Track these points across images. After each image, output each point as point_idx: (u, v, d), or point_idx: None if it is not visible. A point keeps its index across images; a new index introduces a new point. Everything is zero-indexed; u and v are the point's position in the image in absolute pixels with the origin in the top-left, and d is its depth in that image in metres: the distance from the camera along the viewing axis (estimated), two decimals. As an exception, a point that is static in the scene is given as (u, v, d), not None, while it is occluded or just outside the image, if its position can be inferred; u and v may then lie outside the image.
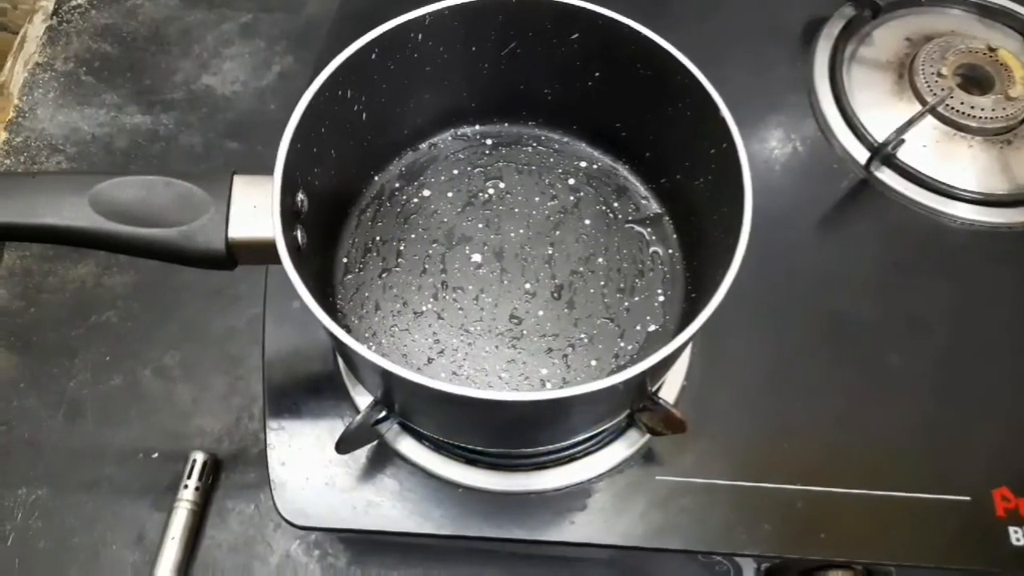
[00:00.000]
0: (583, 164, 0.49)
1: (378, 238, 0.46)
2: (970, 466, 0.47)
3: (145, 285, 0.60)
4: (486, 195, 0.47)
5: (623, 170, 0.48)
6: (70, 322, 0.58)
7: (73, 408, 0.56)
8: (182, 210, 0.34)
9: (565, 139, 0.49)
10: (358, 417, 0.41)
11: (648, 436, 0.45)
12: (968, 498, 0.46)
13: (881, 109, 0.59)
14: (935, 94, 0.58)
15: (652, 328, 0.44)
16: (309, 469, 0.44)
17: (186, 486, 0.53)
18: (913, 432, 0.48)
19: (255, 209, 0.35)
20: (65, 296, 0.59)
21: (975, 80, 0.60)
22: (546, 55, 0.43)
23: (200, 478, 0.53)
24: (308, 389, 0.47)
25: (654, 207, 0.47)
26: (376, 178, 0.47)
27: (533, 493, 0.44)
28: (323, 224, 0.42)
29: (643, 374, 0.32)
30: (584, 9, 0.40)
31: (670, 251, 0.46)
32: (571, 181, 0.48)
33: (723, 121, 0.37)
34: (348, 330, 0.42)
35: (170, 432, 0.55)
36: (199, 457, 0.54)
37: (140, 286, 0.60)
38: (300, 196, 0.37)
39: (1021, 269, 0.53)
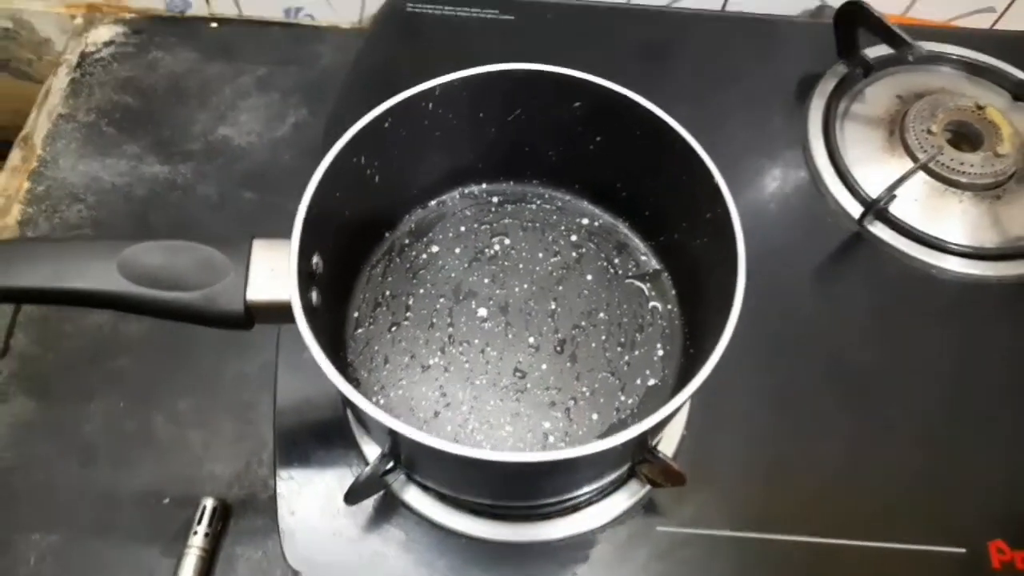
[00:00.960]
0: (585, 221, 0.51)
1: (388, 293, 0.47)
2: (965, 517, 0.48)
3: (159, 332, 0.61)
4: (492, 251, 0.49)
5: (623, 227, 0.50)
6: (87, 368, 0.60)
7: (87, 453, 0.57)
8: (204, 274, 0.36)
9: (568, 197, 0.51)
10: (367, 469, 0.42)
11: (649, 487, 0.46)
12: (964, 550, 0.46)
13: (873, 164, 0.61)
14: (926, 151, 0.60)
15: (652, 382, 0.45)
16: (317, 518, 0.45)
17: (196, 532, 0.54)
18: (909, 483, 0.49)
19: (272, 272, 0.36)
20: (82, 342, 0.61)
21: (964, 137, 0.62)
22: (550, 120, 0.46)
23: (210, 524, 0.54)
24: (318, 438, 0.48)
25: (653, 263, 0.49)
26: (387, 235, 0.49)
27: (536, 543, 0.45)
28: (336, 282, 0.44)
29: (643, 434, 0.34)
30: (585, 80, 0.42)
31: (669, 306, 0.47)
32: (573, 238, 0.50)
33: (717, 188, 0.39)
34: (357, 383, 0.43)
35: (181, 477, 0.56)
36: (209, 503, 0.55)
37: (155, 333, 0.61)
38: (315, 259, 0.39)
39: (1012, 321, 0.55)
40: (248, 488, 0.57)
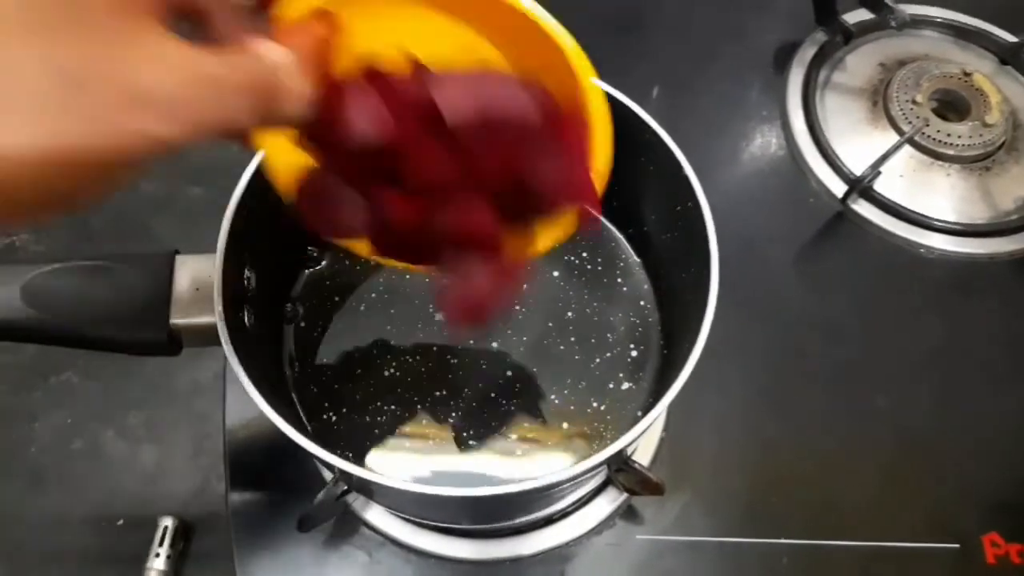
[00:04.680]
0: None
1: (337, 299, 0.44)
2: (957, 511, 0.46)
3: (106, 342, 0.58)
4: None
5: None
6: (29, 384, 0.57)
7: (34, 475, 0.54)
8: (121, 298, 0.33)
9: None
10: (320, 495, 0.39)
11: (627, 494, 0.44)
12: (957, 545, 0.44)
13: (856, 139, 0.57)
14: (911, 123, 0.56)
15: (625, 386, 0.42)
16: (274, 542, 0.42)
17: (157, 554, 0.51)
18: (898, 477, 0.47)
19: (197, 292, 0.33)
20: (23, 357, 0.57)
21: (951, 105, 0.59)
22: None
23: (171, 545, 0.51)
24: (272, 457, 0.45)
25: (625, 257, 0.46)
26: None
27: (508, 560, 0.42)
28: (277, 293, 0.40)
29: (617, 453, 0.31)
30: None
31: (642, 303, 0.44)
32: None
33: (687, 179, 0.35)
34: (303, 404, 0.40)
35: (135, 497, 0.54)
36: (168, 523, 0.52)
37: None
38: (247, 273, 0.36)
39: (1004, 301, 0.52)
40: (208, 505, 0.54)
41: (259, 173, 0.36)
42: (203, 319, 0.32)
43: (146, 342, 0.33)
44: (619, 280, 0.45)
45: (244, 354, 0.31)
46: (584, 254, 0.46)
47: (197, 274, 0.33)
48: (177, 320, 0.33)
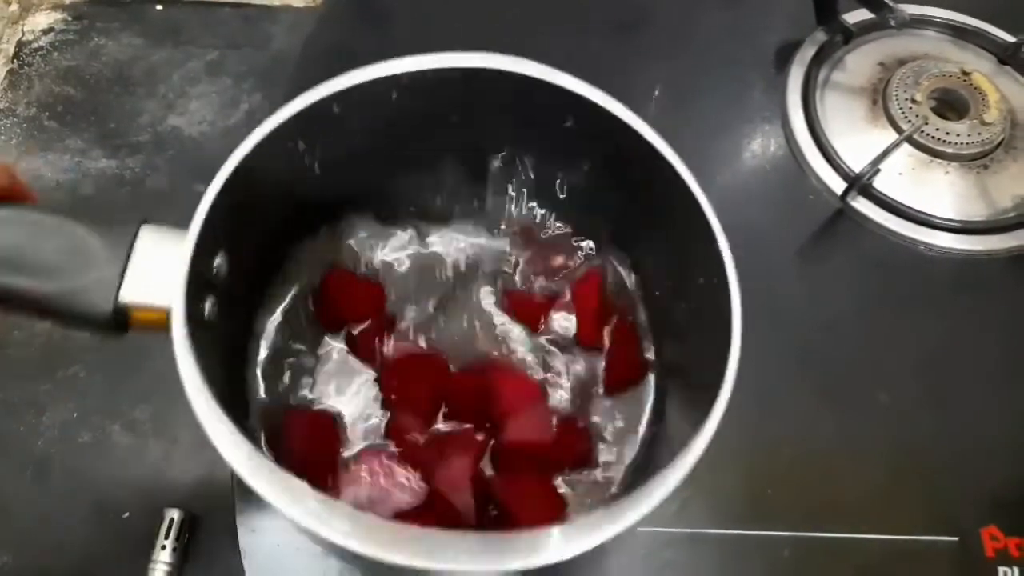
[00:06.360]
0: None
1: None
2: (956, 505, 0.46)
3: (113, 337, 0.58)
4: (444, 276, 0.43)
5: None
6: (37, 378, 0.57)
7: (41, 468, 0.54)
8: (71, 260, 0.29)
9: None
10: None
11: (628, 486, 0.44)
12: (956, 538, 0.45)
13: (856, 137, 0.58)
14: (910, 121, 0.57)
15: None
16: (280, 535, 0.43)
17: (163, 547, 0.51)
18: (898, 470, 0.47)
19: (158, 270, 0.29)
20: (31, 351, 0.58)
21: (950, 104, 0.59)
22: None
23: (177, 537, 0.52)
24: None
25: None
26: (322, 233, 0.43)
27: (511, 550, 0.43)
28: (250, 285, 0.38)
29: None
30: (577, 94, 0.35)
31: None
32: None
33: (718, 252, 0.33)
34: (265, 401, 0.39)
35: (141, 489, 0.54)
36: (175, 515, 0.52)
37: (107, 338, 0.58)
38: (219, 260, 0.32)
39: (1002, 298, 0.53)
40: (214, 497, 0.54)
41: (252, 158, 0.33)
42: (156, 301, 0.29)
43: (88, 315, 0.29)
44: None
45: (198, 351, 0.28)
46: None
47: (161, 249, 0.30)
48: (127, 298, 0.29)
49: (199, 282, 0.30)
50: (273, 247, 0.41)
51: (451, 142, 0.40)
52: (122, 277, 0.30)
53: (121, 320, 0.30)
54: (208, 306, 0.32)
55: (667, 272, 0.39)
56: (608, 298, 0.42)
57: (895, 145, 0.55)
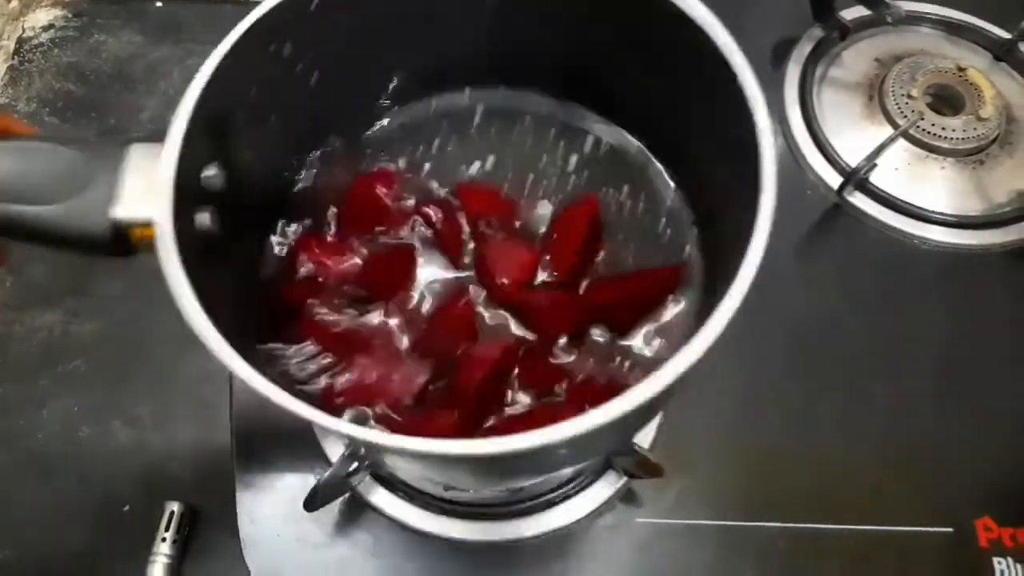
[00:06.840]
0: (590, 141, 0.40)
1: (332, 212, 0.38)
2: (951, 496, 0.46)
3: (114, 331, 0.58)
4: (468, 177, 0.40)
5: (639, 151, 0.40)
6: (37, 372, 0.57)
7: (42, 463, 0.54)
8: (64, 183, 0.29)
9: (572, 111, 0.41)
10: (328, 472, 0.40)
11: (627, 478, 0.44)
12: (951, 529, 0.45)
13: (852, 132, 0.58)
14: (906, 116, 0.57)
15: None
16: (280, 525, 0.43)
17: (163, 539, 0.52)
18: (893, 462, 0.47)
19: (151, 184, 0.29)
20: (32, 345, 0.58)
21: (945, 100, 0.60)
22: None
23: (177, 530, 0.52)
24: (279, 440, 0.46)
25: (672, 198, 0.40)
26: (331, 148, 0.40)
27: (510, 542, 0.43)
28: (259, 207, 0.36)
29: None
30: None
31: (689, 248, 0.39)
32: (574, 161, 0.40)
33: (744, 101, 0.30)
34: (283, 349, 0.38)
35: (143, 483, 0.54)
36: (175, 508, 0.52)
37: (108, 332, 0.58)
38: (211, 171, 0.31)
39: (997, 292, 0.53)
40: (215, 491, 0.54)
41: (231, 61, 0.31)
42: (150, 215, 0.28)
43: (86, 235, 0.30)
44: (665, 223, 0.40)
45: (195, 263, 0.27)
46: (626, 189, 0.40)
47: (153, 165, 0.29)
48: (122, 214, 0.29)
49: (189, 191, 0.30)
50: (282, 160, 0.39)
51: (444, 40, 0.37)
52: (115, 194, 0.30)
53: (122, 238, 0.30)
54: (205, 217, 0.31)
55: (702, 134, 0.37)
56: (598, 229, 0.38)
57: (891, 140, 0.55)
